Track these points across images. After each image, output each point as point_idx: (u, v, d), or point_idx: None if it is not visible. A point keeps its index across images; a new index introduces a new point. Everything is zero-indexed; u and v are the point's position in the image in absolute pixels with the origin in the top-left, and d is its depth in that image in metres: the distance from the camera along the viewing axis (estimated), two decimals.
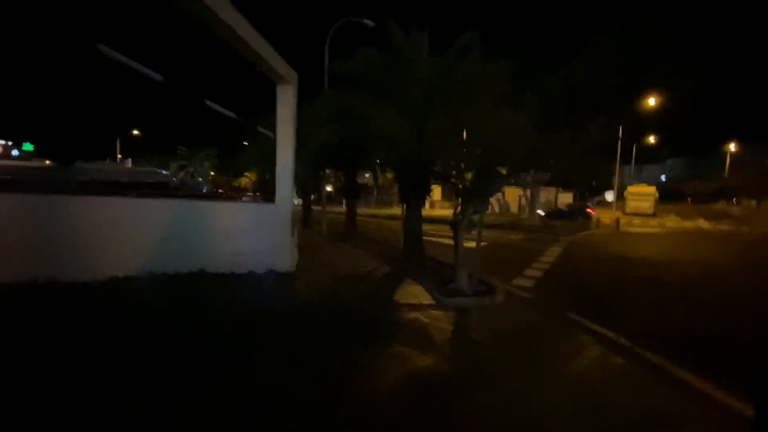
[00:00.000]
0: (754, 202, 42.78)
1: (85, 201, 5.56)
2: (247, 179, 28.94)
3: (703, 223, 24.03)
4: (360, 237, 12.57)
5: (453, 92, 6.67)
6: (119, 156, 43.10)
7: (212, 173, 36.33)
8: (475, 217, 6.30)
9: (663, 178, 66.78)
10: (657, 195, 35.75)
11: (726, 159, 54.94)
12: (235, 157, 19.81)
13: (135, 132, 46.71)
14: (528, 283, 7.42)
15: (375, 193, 36.96)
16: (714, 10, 30.87)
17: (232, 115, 6.51)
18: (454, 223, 6.57)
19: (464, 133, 6.47)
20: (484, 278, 6.57)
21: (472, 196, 6.02)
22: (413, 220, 8.54)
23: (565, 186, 31.15)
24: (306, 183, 15.73)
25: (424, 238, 9.22)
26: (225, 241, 5.97)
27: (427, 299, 5.63)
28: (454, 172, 6.59)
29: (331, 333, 4.15)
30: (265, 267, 6.14)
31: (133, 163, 31.49)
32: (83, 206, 5.41)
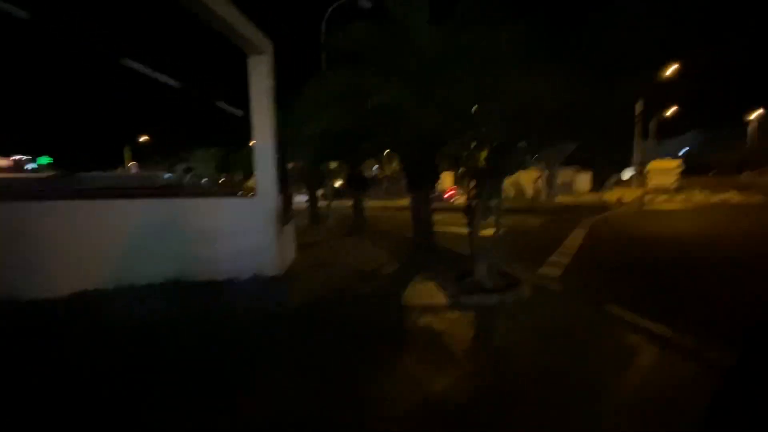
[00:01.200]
0: None
1: (46, 207, 4.95)
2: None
3: (734, 196, 22.56)
4: (368, 230, 11.89)
5: (459, 60, 5.85)
6: (132, 163, 43.11)
7: (222, 174, 35.93)
8: (493, 202, 5.52)
9: (682, 151, 64.23)
10: (681, 169, 34.01)
11: (747, 129, 52.25)
12: (242, 156, 19.24)
13: (144, 137, 46.71)
14: (555, 272, 6.62)
15: (384, 185, 36.23)
16: None
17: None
18: (468, 210, 5.80)
19: (476, 104, 5.66)
20: (505, 269, 5.81)
21: (487, 177, 5.24)
22: (423, 209, 7.79)
23: (583, 165, 29.80)
24: (310, 177, 15.12)
25: (437, 228, 8.46)
26: (201, 244, 5.24)
27: (441, 298, 4.91)
28: (465, 153, 5.83)
29: (322, 352, 3.45)
30: (249, 272, 5.35)
31: (139, 168, 31.33)
32: (44, 211, 4.82)
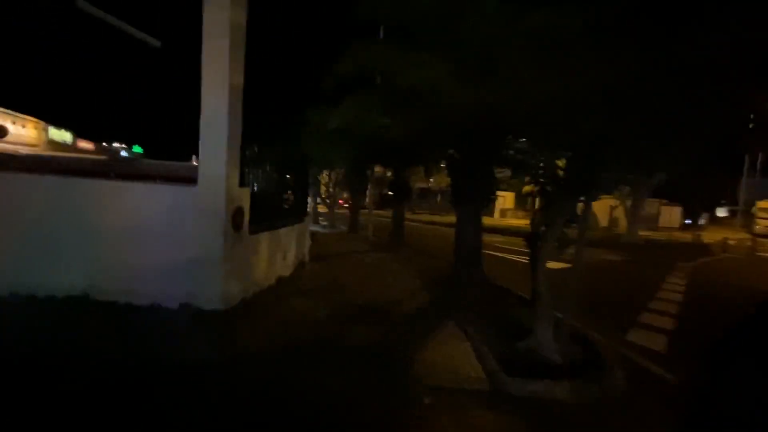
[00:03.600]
0: None
1: None
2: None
3: None
4: (405, 246, 10.22)
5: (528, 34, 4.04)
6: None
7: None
8: (572, 231, 3.63)
9: None
10: None
11: None
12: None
13: None
14: (657, 343, 4.48)
15: (438, 197, 34.29)
16: None
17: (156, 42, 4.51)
18: (532, 238, 3.96)
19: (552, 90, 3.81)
20: (579, 329, 3.88)
21: (568, 195, 3.36)
22: (468, 229, 5.98)
23: (671, 198, 25.52)
24: (351, 182, 13.89)
25: (490, 252, 6.58)
26: (120, 248, 3.74)
27: (477, 374, 3.10)
28: (535, 160, 4.00)
29: None
30: (181, 297, 3.68)
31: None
32: None
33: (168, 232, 3.72)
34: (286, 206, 5.85)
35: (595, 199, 3.50)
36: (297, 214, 6.17)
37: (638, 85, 3.30)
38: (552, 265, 3.68)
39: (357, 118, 6.21)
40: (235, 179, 4.01)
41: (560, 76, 3.62)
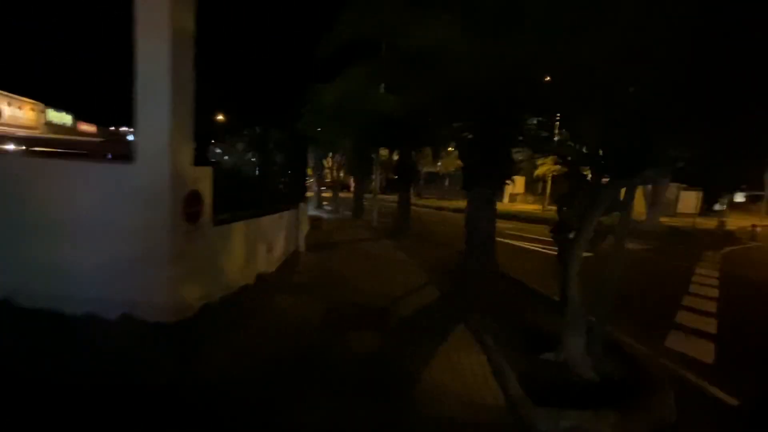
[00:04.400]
0: None
1: None
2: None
3: None
4: (412, 234, 9.59)
5: None
6: None
7: None
8: (607, 219, 2.97)
9: None
10: None
11: None
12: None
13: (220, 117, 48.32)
14: (702, 351, 3.84)
15: (445, 183, 33.47)
16: None
17: None
18: (560, 229, 3.30)
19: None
20: (612, 334, 3.29)
21: (614, 178, 2.68)
22: (481, 216, 5.32)
23: (691, 182, 24.27)
24: (355, 165, 13.24)
25: (500, 239, 5.93)
26: (50, 243, 2.94)
27: (496, 400, 2.50)
28: (561, 137, 3.30)
29: None
30: (121, 306, 2.93)
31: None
32: None
33: (104, 223, 2.88)
34: (273, 190, 5.13)
35: (644, 183, 2.81)
36: (289, 199, 5.51)
37: (701, 42, 2.58)
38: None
39: (357, 91, 5.50)
40: (187, 156, 3.11)
41: (604, 28, 2.89)
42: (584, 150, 2.79)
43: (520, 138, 4.55)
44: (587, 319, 2.84)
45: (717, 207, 25.99)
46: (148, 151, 2.92)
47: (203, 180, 3.32)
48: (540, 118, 3.68)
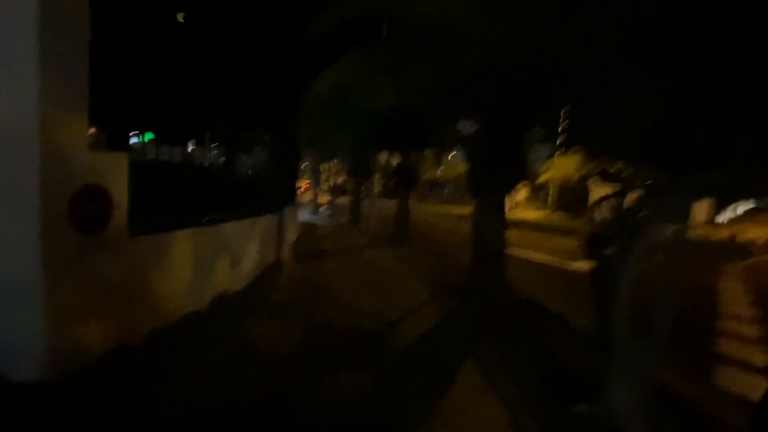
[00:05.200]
0: None
1: None
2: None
3: None
4: (412, 242, 8.94)
5: None
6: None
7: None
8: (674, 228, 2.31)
9: None
10: None
11: None
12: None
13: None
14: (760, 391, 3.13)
15: (447, 189, 33.01)
16: None
17: None
18: (596, 242, 2.65)
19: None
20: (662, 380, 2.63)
21: (682, 176, 2.03)
22: (489, 224, 4.65)
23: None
24: (353, 168, 12.65)
25: (512, 252, 5.30)
26: None
27: None
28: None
29: None
30: None
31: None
32: None
33: None
34: (243, 191, 4.41)
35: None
36: (268, 201, 4.81)
37: None
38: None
39: (351, 81, 4.87)
40: (79, 135, 2.16)
41: None
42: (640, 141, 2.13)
43: (542, 129, 3.92)
44: (639, 365, 2.17)
45: (728, 215, 25.34)
46: (5, 127, 1.95)
47: (112, 171, 2.36)
48: (572, 103, 3.05)
